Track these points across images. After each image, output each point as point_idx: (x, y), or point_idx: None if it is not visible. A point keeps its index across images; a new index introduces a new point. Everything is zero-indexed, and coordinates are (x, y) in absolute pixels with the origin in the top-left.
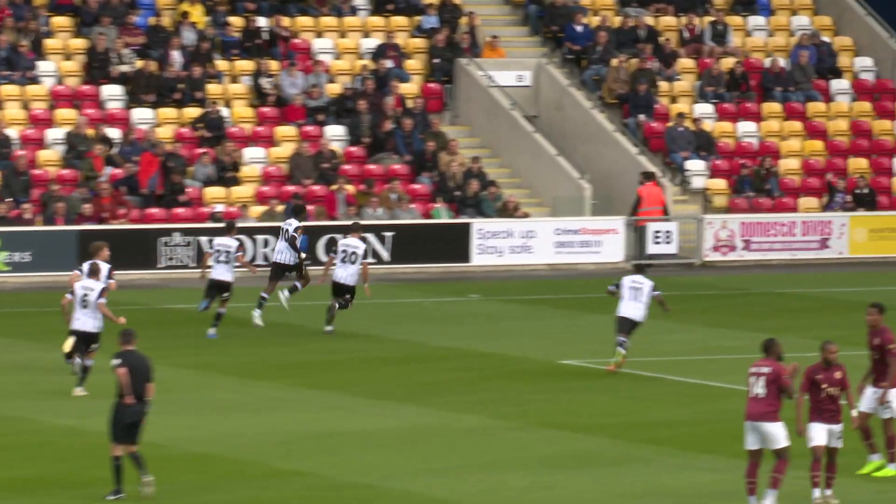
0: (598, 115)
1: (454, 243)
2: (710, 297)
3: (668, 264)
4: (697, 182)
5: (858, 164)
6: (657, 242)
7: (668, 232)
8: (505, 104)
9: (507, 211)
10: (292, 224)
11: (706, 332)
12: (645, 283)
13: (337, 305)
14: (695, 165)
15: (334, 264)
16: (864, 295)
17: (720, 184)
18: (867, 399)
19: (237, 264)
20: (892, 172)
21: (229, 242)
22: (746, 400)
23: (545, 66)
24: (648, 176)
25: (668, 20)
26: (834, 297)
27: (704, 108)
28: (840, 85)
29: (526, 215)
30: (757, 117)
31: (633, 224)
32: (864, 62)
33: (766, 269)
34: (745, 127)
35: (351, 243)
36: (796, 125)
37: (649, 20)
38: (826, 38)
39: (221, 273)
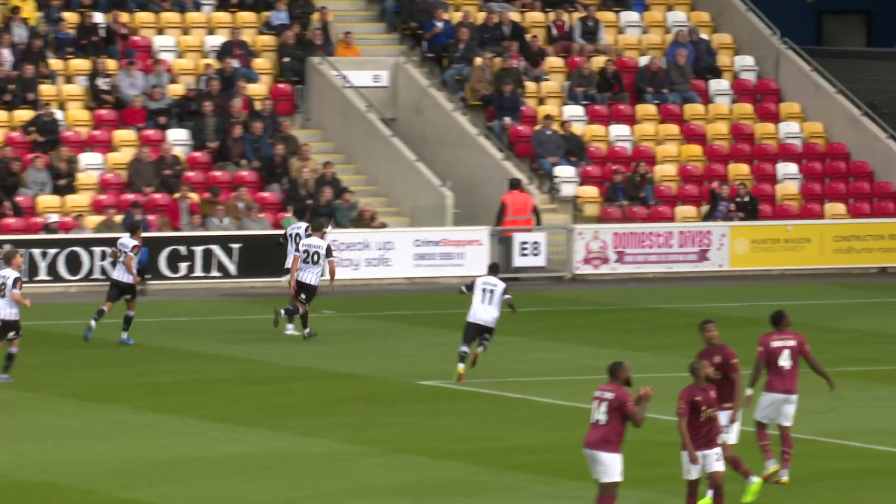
0: (461, 118)
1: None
2: (581, 313)
3: (535, 278)
4: (567, 190)
5: (739, 170)
6: (524, 254)
7: (535, 243)
8: (360, 106)
9: (363, 221)
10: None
11: (577, 351)
12: (498, 285)
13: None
14: (564, 172)
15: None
16: (745, 310)
17: (591, 191)
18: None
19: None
20: (775, 179)
21: (127, 242)
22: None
23: (403, 66)
24: (514, 183)
25: (535, 16)
26: (713, 312)
27: (574, 111)
28: (719, 85)
29: (383, 225)
30: (631, 120)
31: (498, 234)
32: (745, 61)
33: (640, 283)
34: (618, 130)
35: (313, 243)
36: (673, 128)
37: (515, 16)
38: (704, 36)
39: (121, 274)
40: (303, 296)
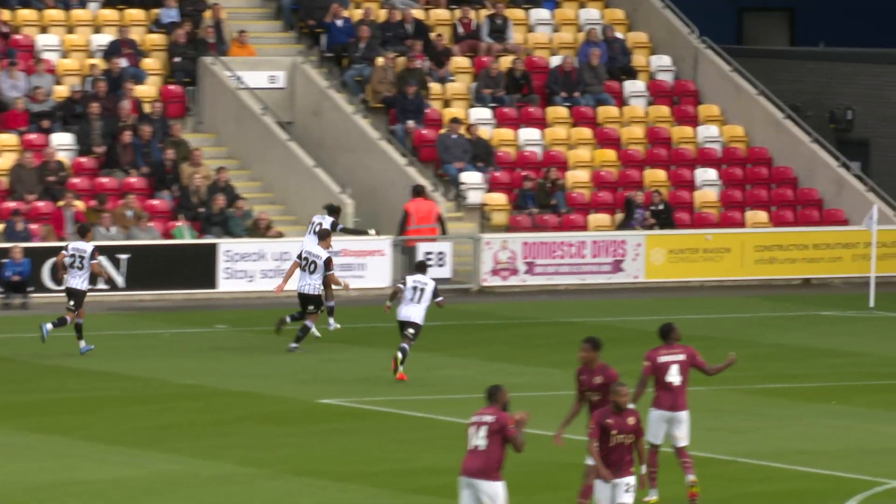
0: (361, 122)
1: (198, 267)
2: (489, 328)
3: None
4: (474, 197)
5: (656, 175)
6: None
7: (440, 253)
8: (255, 109)
9: (258, 230)
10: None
11: (485, 367)
12: (428, 284)
13: (289, 319)
14: (471, 178)
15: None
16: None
17: (500, 199)
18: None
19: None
20: (693, 186)
21: (84, 247)
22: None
23: (301, 66)
24: (417, 190)
25: (441, 13)
26: (629, 326)
27: (481, 114)
28: (635, 87)
29: (280, 235)
30: (541, 123)
31: (401, 244)
32: (662, 61)
33: (552, 296)
34: (528, 134)
35: (313, 251)
36: (585, 132)
37: (419, 13)
38: (619, 34)
39: (76, 281)
40: (311, 307)
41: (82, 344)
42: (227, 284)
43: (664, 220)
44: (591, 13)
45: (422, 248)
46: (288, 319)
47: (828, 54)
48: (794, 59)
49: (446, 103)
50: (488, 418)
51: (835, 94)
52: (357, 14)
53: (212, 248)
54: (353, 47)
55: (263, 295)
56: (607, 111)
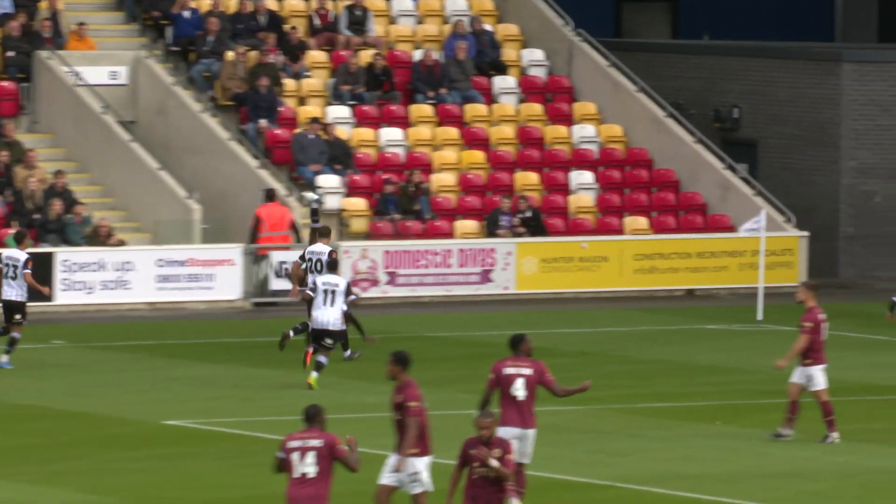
0: (210, 121)
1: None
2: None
3: (295, 302)
4: (331, 202)
5: (527, 179)
6: (282, 276)
7: None
8: (95, 107)
9: (99, 238)
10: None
11: (343, 386)
12: (339, 284)
13: (292, 333)
14: (328, 181)
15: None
16: (535, 339)
17: (359, 204)
18: (389, 467)
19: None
20: (568, 189)
21: (17, 255)
22: (288, 482)
23: (145, 61)
24: (270, 194)
25: (295, 4)
26: (497, 341)
27: (340, 112)
28: (505, 83)
29: (122, 243)
30: (404, 123)
31: (252, 253)
32: (534, 55)
33: (415, 308)
34: (390, 134)
35: (316, 249)
36: (452, 132)
37: (272, 4)
38: (488, 26)
39: (12, 292)
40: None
41: (4, 358)
42: (64, 297)
43: (533, 227)
44: (458, 4)
45: (275, 257)
46: (291, 334)
47: (713, 48)
48: (677, 54)
49: (302, 101)
50: (315, 442)
51: (720, 91)
52: (205, 5)
53: (48, 258)
54: (201, 41)
55: (104, 308)
56: (475, 109)
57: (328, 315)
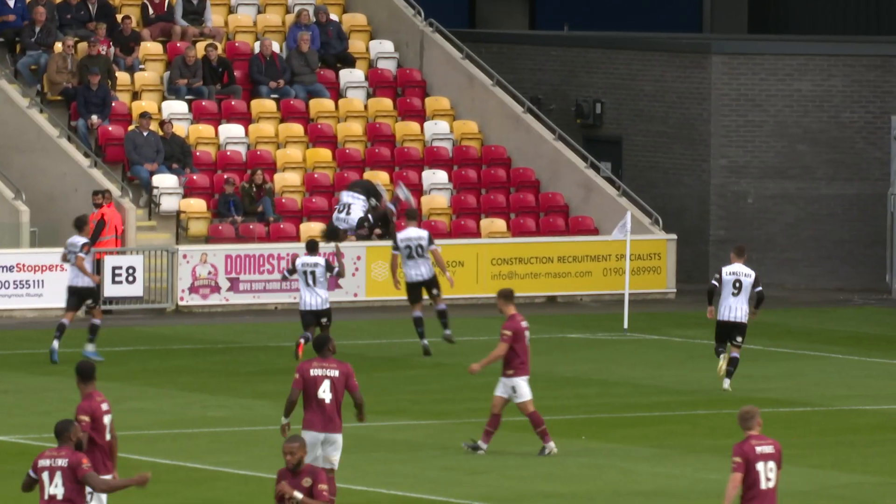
0: (38, 117)
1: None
2: (187, 353)
3: (131, 310)
4: (168, 203)
5: (378, 178)
6: (117, 282)
7: (131, 268)
8: None
9: None
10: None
11: (183, 399)
12: (318, 264)
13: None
14: (165, 182)
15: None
16: (385, 349)
17: (198, 205)
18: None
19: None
20: (421, 190)
21: (77, 241)
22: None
23: None
24: (101, 195)
25: None
26: (346, 351)
27: (176, 107)
28: (352, 76)
29: None
30: (245, 119)
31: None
32: (383, 47)
33: (259, 317)
34: (230, 131)
35: (412, 235)
36: (296, 129)
37: None
38: (334, 17)
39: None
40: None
41: (90, 347)
42: None
43: (387, 228)
44: None
45: (109, 263)
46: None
47: (573, 39)
48: (535, 46)
49: (136, 96)
50: (62, 462)
51: (581, 86)
52: None
53: None
54: (28, 31)
55: None
56: (321, 105)
57: (315, 296)
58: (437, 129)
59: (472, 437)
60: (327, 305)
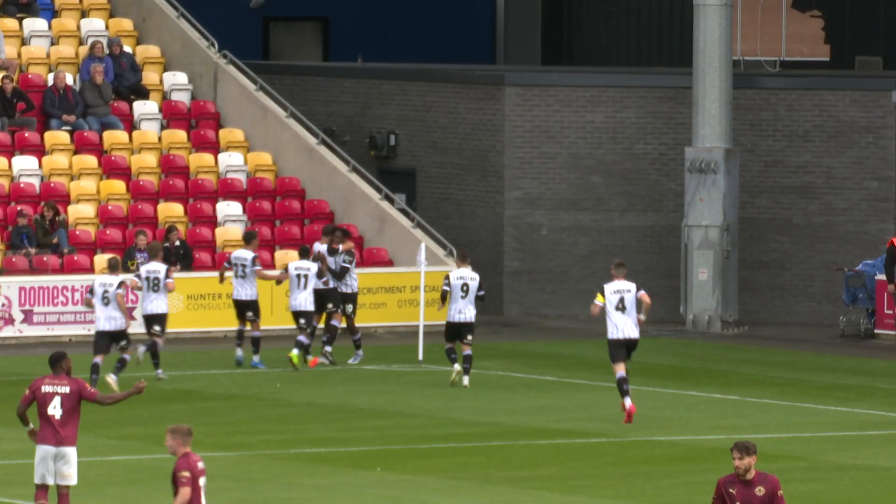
0: None
1: None
2: None
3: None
4: None
5: (172, 210)
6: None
7: None
8: None
9: None
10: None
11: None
12: (311, 268)
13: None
14: None
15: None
16: (182, 381)
17: None
18: None
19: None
20: (216, 222)
21: (244, 255)
22: None
23: None
24: None
25: None
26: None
27: None
28: (146, 108)
29: None
30: (39, 151)
31: None
32: (177, 79)
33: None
34: (24, 163)
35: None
36: (90, 161)
37: None
38: (127, 48)
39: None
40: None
41: (256, 358)
42: None
43: (184, 261)
44: (95, 24)
45: None
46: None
47: (366, 71)
48: (329, 77)
49: None
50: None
51: (375, 117)
52: None
53: None
54: None
55: None
56: (115, 136)
57: (302, 298)
58: (231, 160)
59: (266, 469)
60: (311, 307)
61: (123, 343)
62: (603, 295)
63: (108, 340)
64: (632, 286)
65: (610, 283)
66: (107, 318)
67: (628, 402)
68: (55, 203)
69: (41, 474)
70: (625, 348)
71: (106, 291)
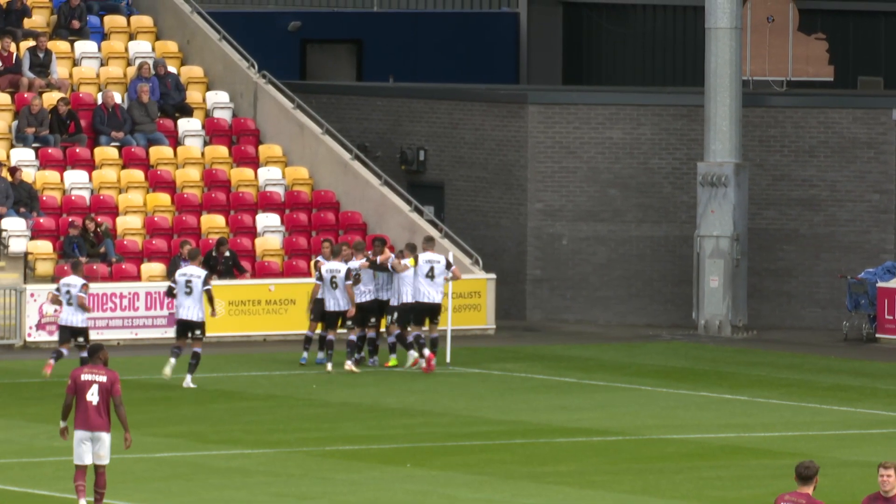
0: None
1: None
2: (34, 387)
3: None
4: (17, 245)
5: (214, 221)
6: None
7: None
8: None
9: None
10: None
11: (30, 430)
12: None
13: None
14: (13, 225)
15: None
16: (221, 382)
17: (45, 247)
18: None
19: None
20: (255, 232)
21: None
22: None
23: None
24: None
25: None
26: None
27: (24, 155)
28: (190, 125)
29: None
30: (89, 165)
31: None
32: (219, 97)
33: None
34: (75, 177)
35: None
36: (137, 175)
37: None
38: (172, 69)
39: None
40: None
41: (321, 354)
42: None
43: (233, 269)
44: (142, 46)
45: None
46: (303, 361)
47: (397, 90)
48: (362, 96)
49: None
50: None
51: (405, 133)
52: None
53: None
54: None
55: None
56: (160, 152)
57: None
58: (270, 174)
59: (302, 465)
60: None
61: (198, 333)
62: (416, 261)
63: (184, 329)
64: (441, 258)
65: (422, 253)
66: (186, 309)
67: (427, 352)
68: (94, 216)
69: (79, 455)
70: (429, 312)
71: (189, 282)
